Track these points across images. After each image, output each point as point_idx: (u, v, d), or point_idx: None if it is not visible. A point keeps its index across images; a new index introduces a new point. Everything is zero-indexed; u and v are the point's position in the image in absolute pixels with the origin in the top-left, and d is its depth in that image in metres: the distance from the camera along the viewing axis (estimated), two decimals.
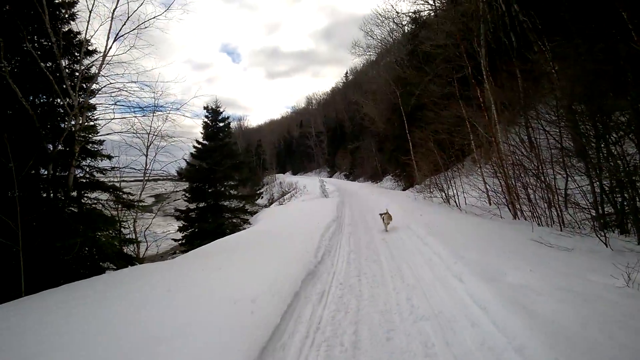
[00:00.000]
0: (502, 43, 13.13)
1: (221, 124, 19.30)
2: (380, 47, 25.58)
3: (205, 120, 18.97)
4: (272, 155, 67.24)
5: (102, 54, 8.03)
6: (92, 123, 8.41)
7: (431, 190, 14.08)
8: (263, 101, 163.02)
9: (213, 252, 7.71)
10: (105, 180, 9.96)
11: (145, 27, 8.58)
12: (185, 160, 18.90)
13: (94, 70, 8.23)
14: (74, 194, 9.00)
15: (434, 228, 7.32)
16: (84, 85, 7.90)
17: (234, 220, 20.08)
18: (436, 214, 9.75)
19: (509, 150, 8.52)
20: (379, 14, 23.79)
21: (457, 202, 11.23)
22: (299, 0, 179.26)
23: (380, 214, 9.93)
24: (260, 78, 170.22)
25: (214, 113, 18.91)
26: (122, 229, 9.17)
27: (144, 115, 9.71)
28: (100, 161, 8.62)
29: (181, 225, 19.04)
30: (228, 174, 19.59)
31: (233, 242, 8.90)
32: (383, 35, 24.56)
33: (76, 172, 8.34)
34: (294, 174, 61.86)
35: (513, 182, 8.28)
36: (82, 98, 7.77)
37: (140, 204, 9.37)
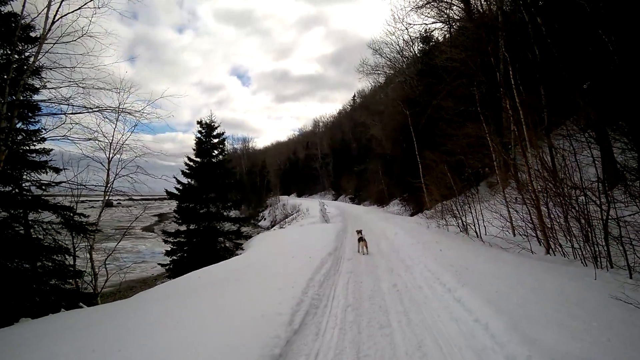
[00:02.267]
0: (525, 56, 11.70)
1: (215, 140, 17.88)
2: (390, 65, 24.45)
3: (198, 135, 17.61)
4: (277, 176, 66.02)
5: (39, 39, 6.62)
6: (34, 127, 6.98)
7: (444, 218, 12.40)
8: (271, 124, 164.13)
9: (166, 296, 6.15)
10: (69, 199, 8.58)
11: (99, 7, 7.26)
12: (176, 177, 17.53)
13: (36, 61, 6.74)
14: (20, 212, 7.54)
15: (463, 272, 5.42)
16: (20, 79, 6.40)
17: (227, 245, 18.49)
18: (457, 248, 8.01)
19: (541, 172, 7.15)
20: (388, 32, 22.93)
21: (478, 232, 9.53)
22: (310, 28, 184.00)
23: (358, 232, 9.19)
24: (269, 101, 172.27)
25: (207, 128, 17.56)
26: (70, 258, 7.58)
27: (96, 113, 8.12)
28: (46, 174, 7.15)
29: (169, 249, 17.44)
30: (222, 194, 18.11)
31: (188, 286, 7.30)
32: (392, 55, 23.51)
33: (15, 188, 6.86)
34: (299, 195, 60.31)
35: (547, 210, 6.91)
36: (14, 95, 6.32)
37: (93, 228, 7.75)
